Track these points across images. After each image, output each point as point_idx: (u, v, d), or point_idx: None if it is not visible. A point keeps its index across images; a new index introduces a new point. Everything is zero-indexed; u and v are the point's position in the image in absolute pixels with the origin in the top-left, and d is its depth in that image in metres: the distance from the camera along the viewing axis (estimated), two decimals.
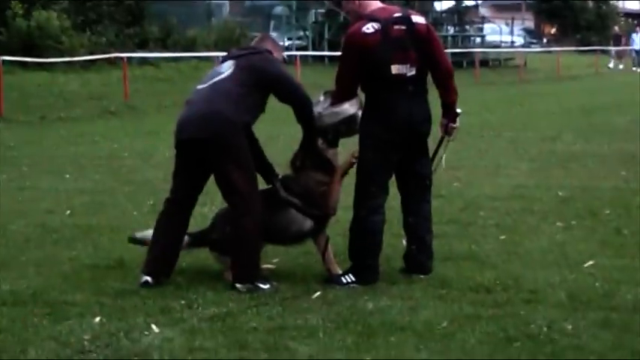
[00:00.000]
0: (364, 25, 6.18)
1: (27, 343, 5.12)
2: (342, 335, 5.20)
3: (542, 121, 18.71)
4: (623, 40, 47.92)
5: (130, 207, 9.43)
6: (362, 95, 6.41)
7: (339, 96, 6.36)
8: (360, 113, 6.36)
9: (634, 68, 45.03)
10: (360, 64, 6.17)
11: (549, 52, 47.80)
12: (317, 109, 6.44)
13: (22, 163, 13.10)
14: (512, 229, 7.99)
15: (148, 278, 6.28)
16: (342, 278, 6.34)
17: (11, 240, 7.85)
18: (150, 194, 9.98)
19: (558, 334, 5.16)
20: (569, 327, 5.27)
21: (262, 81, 6.28)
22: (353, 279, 6.31)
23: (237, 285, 6.17)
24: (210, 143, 6.15)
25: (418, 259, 6.54)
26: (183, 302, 5.86)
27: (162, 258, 6.38)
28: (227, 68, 6.33)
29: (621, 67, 45.80)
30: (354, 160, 6.46)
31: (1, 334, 5.28)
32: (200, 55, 28.76)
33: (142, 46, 28.73)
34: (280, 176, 6.65)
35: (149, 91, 25.40)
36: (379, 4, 6.39)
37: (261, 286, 6.19)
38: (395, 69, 6.14)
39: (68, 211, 9.21)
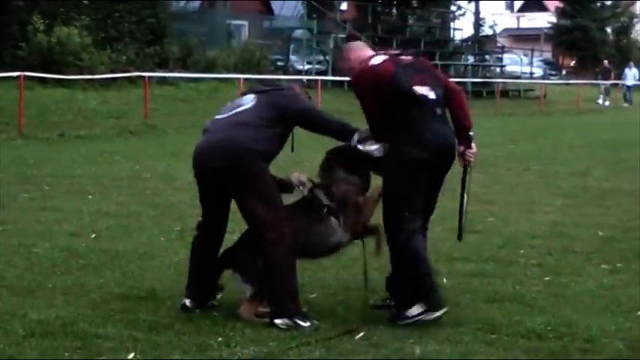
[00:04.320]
0: (369, 60, 6.02)
1: None
2: None
3: (569, 154, 18.38)
4: (612, 74, 46.82)
5: (156, 232, 9.14)
6: None
7: (373, 133, 6.11)
8: None
9: (625, 104, 43.80)
10: (379, 95, 5.93)
11: (568, 84, 47.47)
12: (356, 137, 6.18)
13: (44, 181, 12.83)
14: (556, 270, 7.66)
15: (187, 301, 6.24)
16: (404, 314, 5.96)
17: (36, 264, 7.57)
18: (176, 219, 9.75)
19: None
20: None
21: (286, 116, 6.10)
22: (419, 311, 5.92)
23: (276, 321, 5.88)
24: (227, 171, 5.94)
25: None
26: (220, 339, 5.56)
27: (201, 281, 6.31)
28: (248, 101, 6.16)
29: (607, 103, 43.80)
30: None
31: None
32: (220, 77, 28.62)
33: (162, 65, 28.58)
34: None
35: (169, 110, 25.24)
36: (370, 52, 6.23)
37: (301, 323, 5.90)
38: (418, 90, 5.91)
39: (93, 235, 8.93)
